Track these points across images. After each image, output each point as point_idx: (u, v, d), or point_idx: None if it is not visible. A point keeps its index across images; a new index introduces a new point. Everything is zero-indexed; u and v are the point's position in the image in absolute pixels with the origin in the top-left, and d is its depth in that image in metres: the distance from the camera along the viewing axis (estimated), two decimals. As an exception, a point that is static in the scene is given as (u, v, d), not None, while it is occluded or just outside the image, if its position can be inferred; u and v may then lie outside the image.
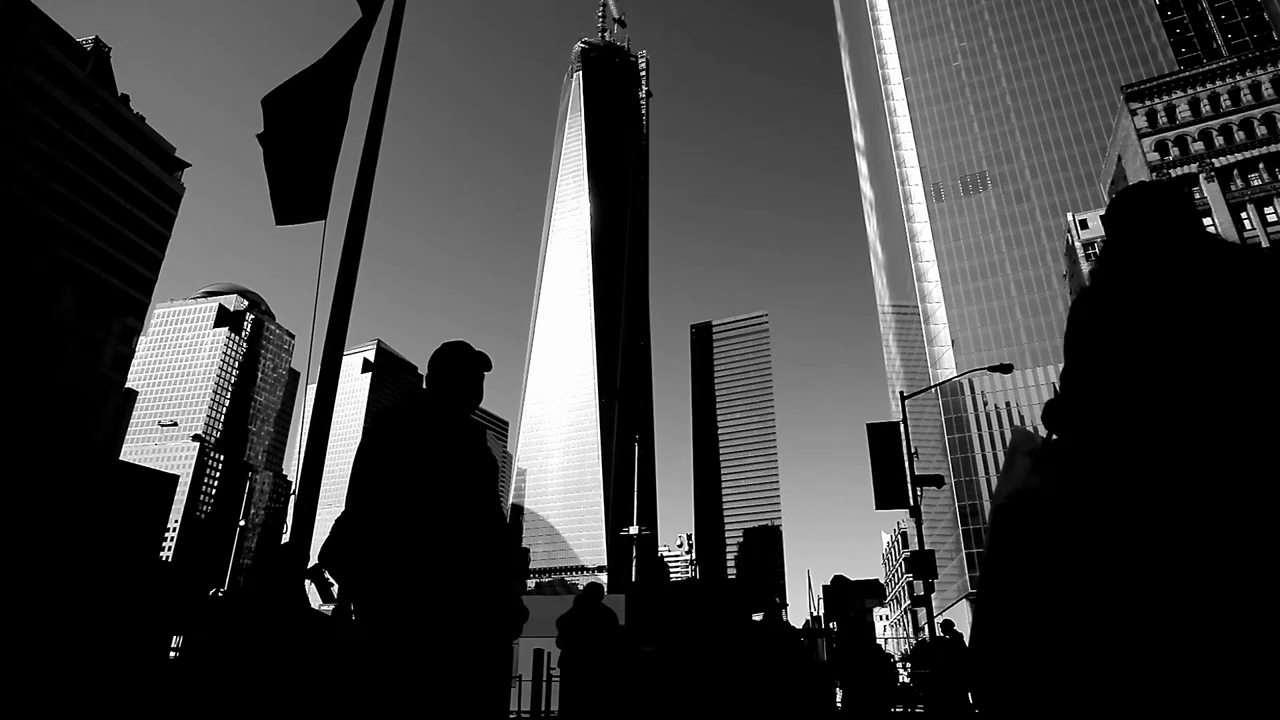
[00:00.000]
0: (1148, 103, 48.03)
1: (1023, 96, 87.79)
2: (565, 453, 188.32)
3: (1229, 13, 65.06)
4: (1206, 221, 43.74)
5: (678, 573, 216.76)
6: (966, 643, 12.42)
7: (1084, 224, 62.56)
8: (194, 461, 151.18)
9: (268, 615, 4.71)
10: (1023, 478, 1.54)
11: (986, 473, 72.73)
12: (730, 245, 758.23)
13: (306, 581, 6.45)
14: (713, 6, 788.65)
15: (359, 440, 2.54)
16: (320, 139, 3.72)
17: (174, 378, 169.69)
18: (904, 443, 18.20)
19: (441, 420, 2.60)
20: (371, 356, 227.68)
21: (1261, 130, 43.93)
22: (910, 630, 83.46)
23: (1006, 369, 23.69)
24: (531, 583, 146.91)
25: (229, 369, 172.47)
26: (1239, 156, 43.86)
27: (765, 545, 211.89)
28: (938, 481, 20.02)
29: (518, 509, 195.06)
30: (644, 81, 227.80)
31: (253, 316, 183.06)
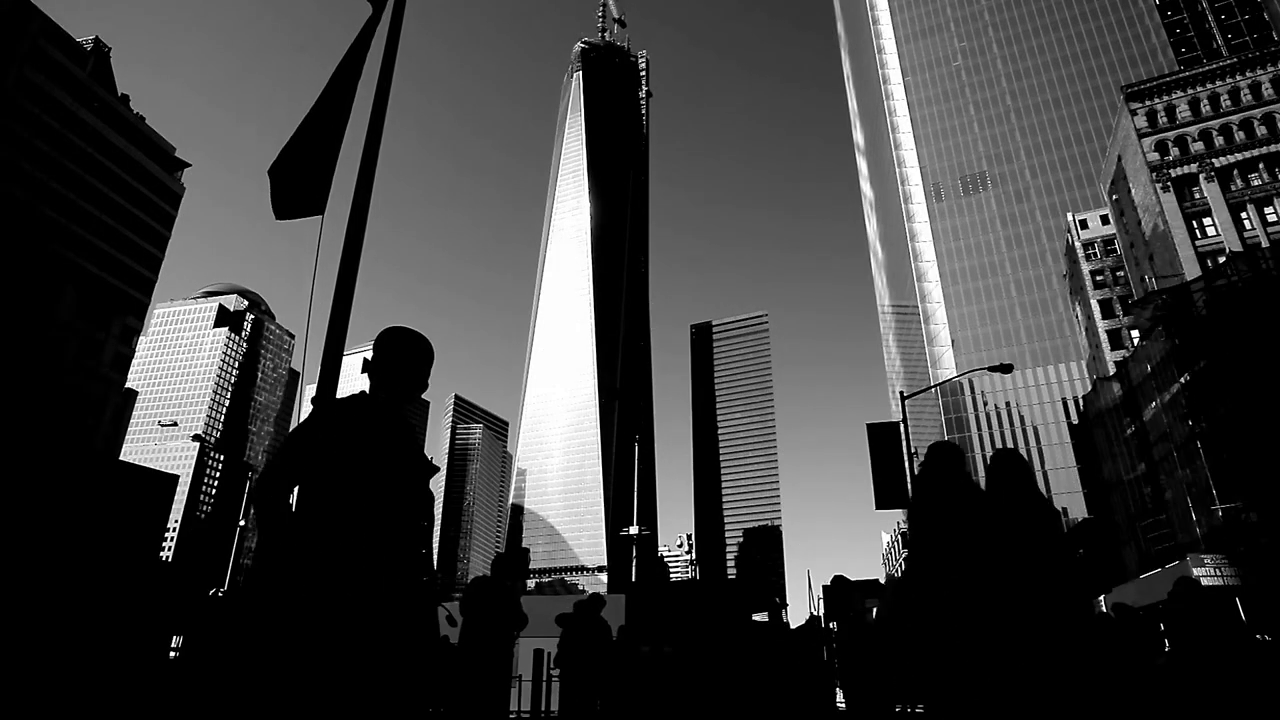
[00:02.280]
0: (1148, 103, 48.01)
1: (1023, 96, 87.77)
2: (565, 453, 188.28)
3: (1229, 13, 65.07)
4: (1207, 221, 43.74)
5: (678, 573, 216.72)
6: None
7: (1084, 224, 62.53)
8: (194, 461, 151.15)
9: (267, 615, 4.70)
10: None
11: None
12: (730, 245, 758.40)
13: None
14: (713, 6, 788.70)
15: None
16: (321, 133, 3.72)
17: (174, 378, 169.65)
18: (904, 443, 18.20)
19: None
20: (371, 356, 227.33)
21: (1261, 130, 43.91)
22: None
23: (1006, 369, 23.68)
24: (531, 583, 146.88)
25: (229, 369, 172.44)
26: (1239, 156, 43.83)
27: (765, 545, 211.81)
28: (938, 481, 19.94)
29: (518, 509, 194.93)
30: (644, 81, 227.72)
31: (253, 316, 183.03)
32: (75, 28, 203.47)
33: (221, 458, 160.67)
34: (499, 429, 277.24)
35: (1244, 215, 42.65)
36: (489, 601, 6.59)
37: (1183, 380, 31.05)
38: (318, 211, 3.67)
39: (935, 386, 68.10)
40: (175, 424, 39.44)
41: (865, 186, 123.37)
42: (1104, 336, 56.63)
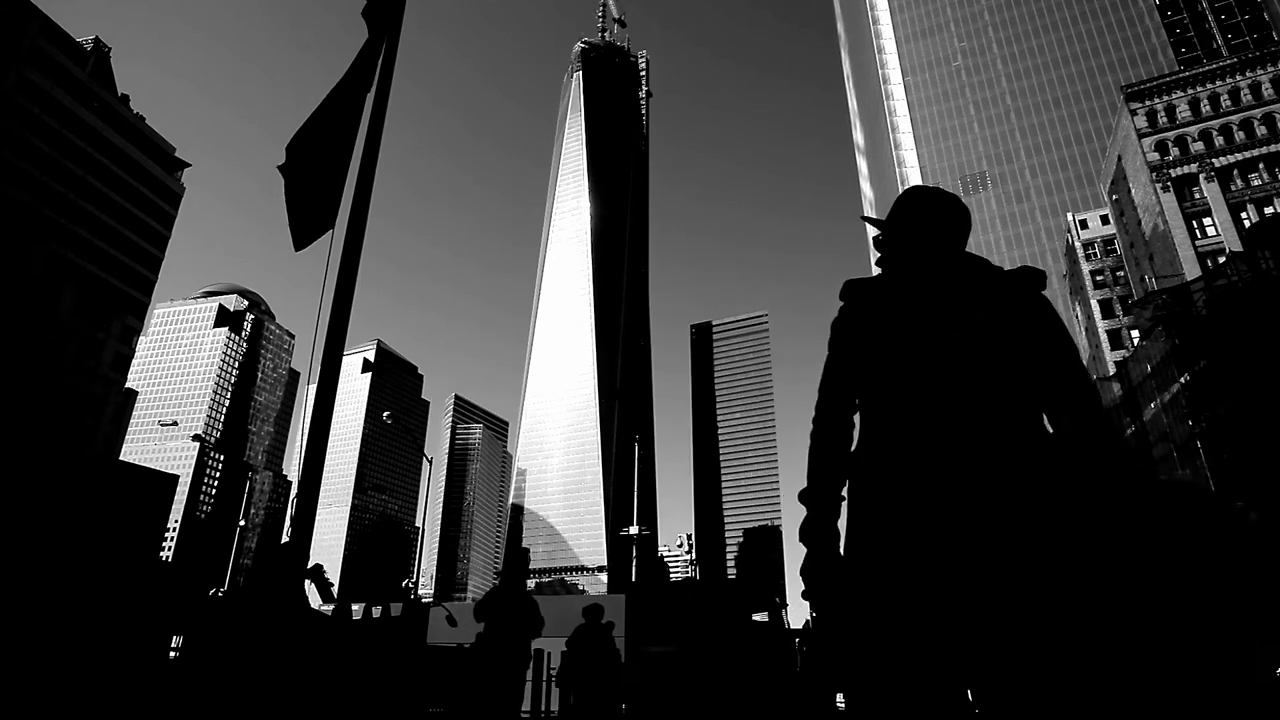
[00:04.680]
0: (1148, 103, 48.00)
1: (1023, 96, 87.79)
2: (565, 453, 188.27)
3: (1229, 13, 65.07)
4: (1206, 222, 43.72)
5: (678, 573, 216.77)
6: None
7: (1084, 224, 62.54)
8: (194, 461, 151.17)
9: (268, 615, 4.71)
10: None
11: (986, 473, 72.69)
12: (730, 245, 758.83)
13: (306, 581, 6.46)
14: (713, 6, 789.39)
15: None
16: (331, 154, 3.74)
17: (174, 378, 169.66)
18: (904, 443, 18.14)
19: None
20: (371, 356, 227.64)
21: (1261, 130, 43.91)
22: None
23: (1006, 369, 23.60)
24: (531, 583, 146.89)
25: (229, 369, 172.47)
26: (1239, 156, 43.83)
27: (765, 545, 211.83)
28: (938, 481, 19.96)
29: (518, 509, 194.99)
30: (644, 81, 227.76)
31: (253, 316, 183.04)
32: (75, 28, 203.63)
33: (221, 458, 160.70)
34: (499, 429, 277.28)
35: (1244, 215, 42.66)
36: (507, 607, 6.72)
37: (1183, 380, 31.05)
38: (329, 227, 3.69)
39: (935, 386, 68.04)
40: (175, 424, 39.50)
41: (865, 186, 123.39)
42: (1104, 336, 56.62)
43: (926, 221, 1.95)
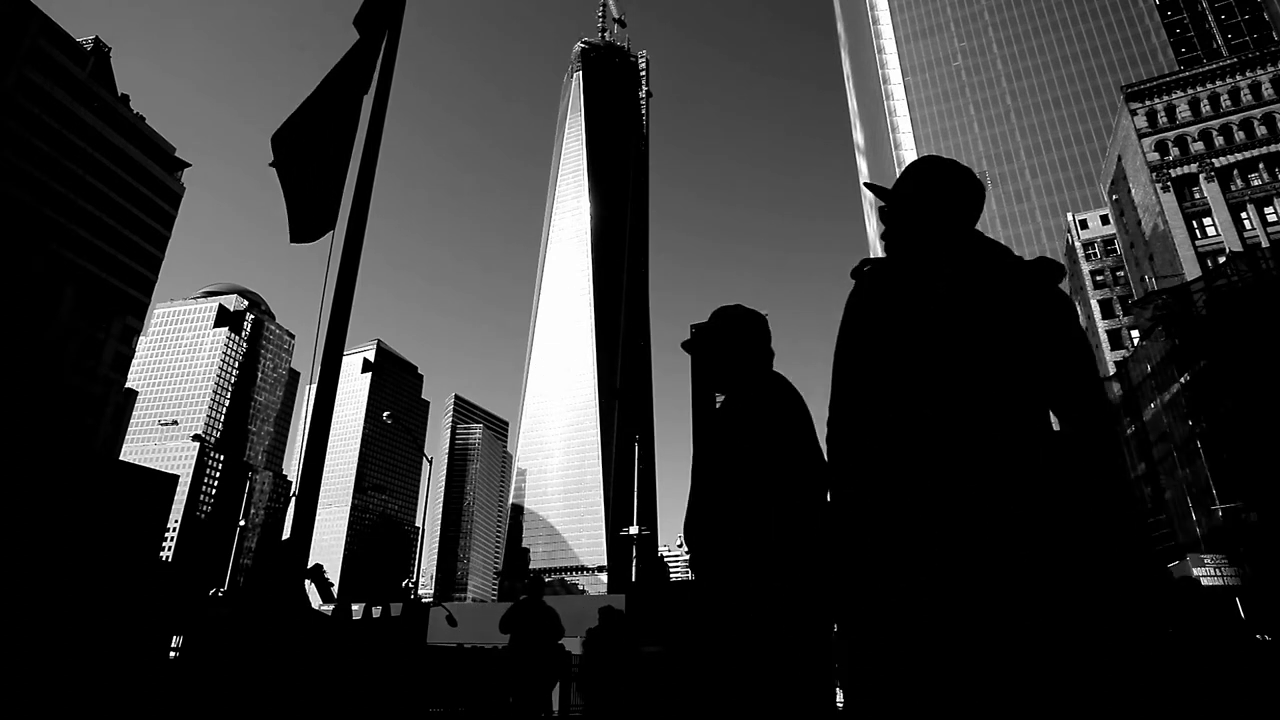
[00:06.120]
0: (1148, 103, 48.00)
1: (1023, 96, 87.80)
2: (565, 453, 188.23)
3: (1229, 13, 65.06)
4: (1206, 221, 43.69)
5: (678, 573, 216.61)
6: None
7: (1084, 224, 62.53)
8: (194, 461, 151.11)
9: (268, 615, 4.71)
10: None
11: (986, 473, 72.72)
12: (730, 245, 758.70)
13: (306, 581, 6.46)
14: (713, 6, 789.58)
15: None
16: (331, 152, 3.73)
17: (174, 378, 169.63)
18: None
19: None
20: (371, 356, 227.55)
21: (1261, 130, 43.90)
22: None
23: (1006, 369, 23.55)
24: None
25: (229, 369, 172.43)
26: (1239, 156, 43.82)
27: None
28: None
29: (518, 509, 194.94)
30: (644, 81, 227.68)
31: (253, 316, 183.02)
32: (75, 28, 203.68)
33: (221, 458, 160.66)
34: (499, 429, 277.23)
35: (1244, 215, 42.65)
36: (531, 619, 6.98)
37: (1183, 380, 31.04)
38: (330, 228, 3.69)
39: (935, 386, 68.03)
40: (175, 423, 39.46)
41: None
42: (1104, 336, 56.62)
43: (935, 195, 1.84)
